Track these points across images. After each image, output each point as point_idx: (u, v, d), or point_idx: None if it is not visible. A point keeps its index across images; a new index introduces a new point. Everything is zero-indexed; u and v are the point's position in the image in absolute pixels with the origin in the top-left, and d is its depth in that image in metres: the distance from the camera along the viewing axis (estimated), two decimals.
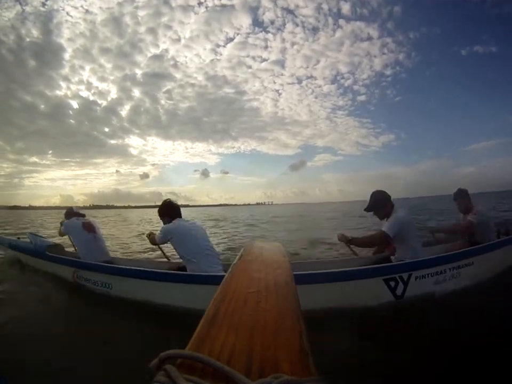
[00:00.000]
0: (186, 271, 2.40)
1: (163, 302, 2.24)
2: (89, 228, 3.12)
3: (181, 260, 2.49)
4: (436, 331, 1.76)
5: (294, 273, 0.59)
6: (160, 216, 2.59)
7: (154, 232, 2.69)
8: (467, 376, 1.32)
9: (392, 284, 2.18)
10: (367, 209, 2.58)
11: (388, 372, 1.39)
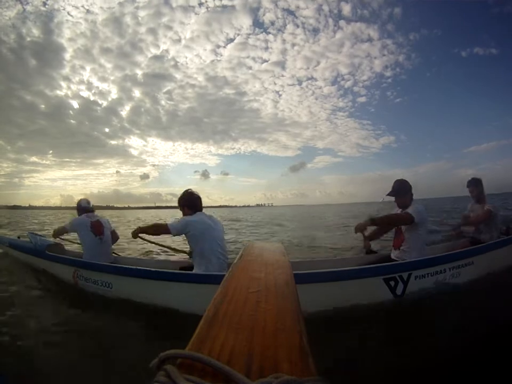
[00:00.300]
0: (188, 269, 2.40)
1: (163, 301, 2.23)
2: (97, 229, 3.03)
3: (182, 259, 2.47)
4: (436, 331, 1.76)
5: (294, 272, 0.59)
6: (180, 207, 2.43)
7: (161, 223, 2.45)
8: (467, 376, 1.33)
9: (392, 283, 2.18)
10: (391, 193, 2.56)
11: (388, 372, 1.39)
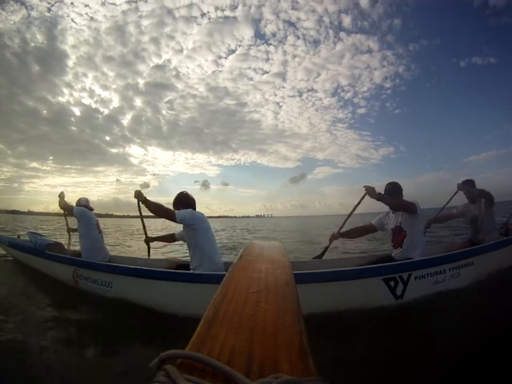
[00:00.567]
0: (184, 269, 2.42)
1: (163, 301, 2.24)
2: (99, 227, 3.12)
3: (178, 259, 2.50)
4: (436, 331, 1.76)
5: (294, 272, 0.59)
6: (174, 207, 2.43)
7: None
8: (467, 376, 1.33)
9: (392, 283, 2.18)
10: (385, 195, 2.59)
11: (388, 372, 1.39)
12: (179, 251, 5.71)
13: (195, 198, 2.49)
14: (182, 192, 2.51)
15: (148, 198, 2.27)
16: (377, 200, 2.50)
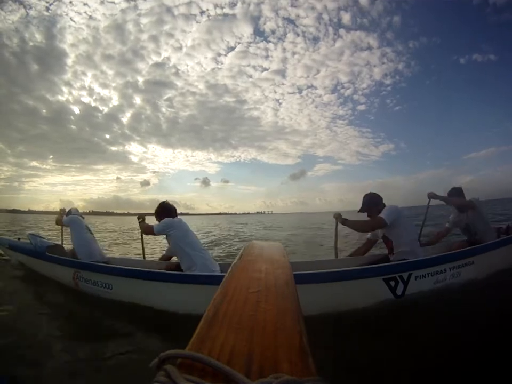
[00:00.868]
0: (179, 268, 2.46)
1: (163, 302, 2.23)
2: (89, 229, 3.25)
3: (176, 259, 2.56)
4: (436, 330, 1.75)
5: (294, 273, 0.59)
6: (156, 216, 2.65)
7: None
8: (468, 376, 1.32)
9: (392, 283, 2.18)
10: (361, 210, 2.64)
11: (388, 372, 1.39)
12: None
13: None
14: (163, 202, 2.73)
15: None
16: (343, 225, 2.64)
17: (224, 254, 5.42)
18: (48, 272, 3.17)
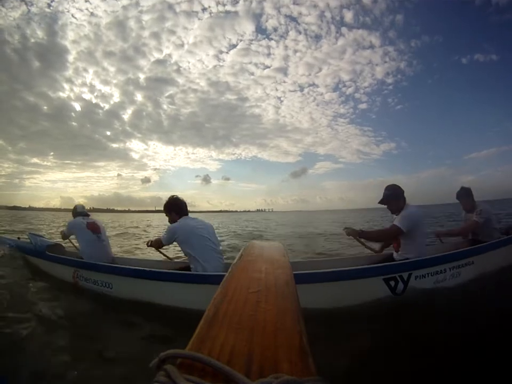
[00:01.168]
0: (189, 270, 2.41)
1: (163, 301, 2.24)
2: (94, 228, 3.09)
3: (183, 259, 2.51)
4: (436, 330, 1.76)
5: (294, 272, 0.59)
6: (166, 213, 2.53)
7: (154, 237, 2.68)
8: (467, 376, 1.33)
9: (392, 283, 2.18)
10: (382, 201, 2.57)
11: (388, 372, 1.39)
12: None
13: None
14: (173, 196, 2.57)
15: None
16: (360, 238, 2.54)
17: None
18: (48, 271, 3.17)
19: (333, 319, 1.88)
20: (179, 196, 2.57)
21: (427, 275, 2.27)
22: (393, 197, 2.53)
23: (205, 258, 2.32)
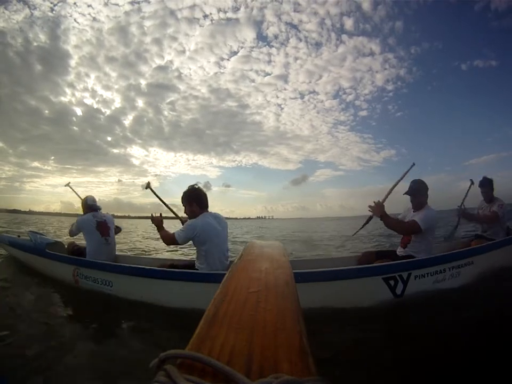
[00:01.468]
0: (187, 268, 2.39)
1: (163, 300, 2.24)
2: (104, 229, 2.98)
3: (183, 257, 2.45)
4: (436, 330, 1.76)
5: (294, 271, 0.59)
6: (186, 203, 2.30)
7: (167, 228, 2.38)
8: (467, 376, 1.33)
9: (392, 282, 2.19)
10: (408, 192, 2.54)
11: (388, 371, 1.40)
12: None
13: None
14: (194, 186, 2.35)
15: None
16: (381, 218, 2.38)
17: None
18: (48, 269, 3.17)
19: (333, 319, 1.88)
20: (200, 187, 2.35)
21: (427, 275, 2.27)
22: (419, 192, 2.52)
23: (216, 259, 2.26)
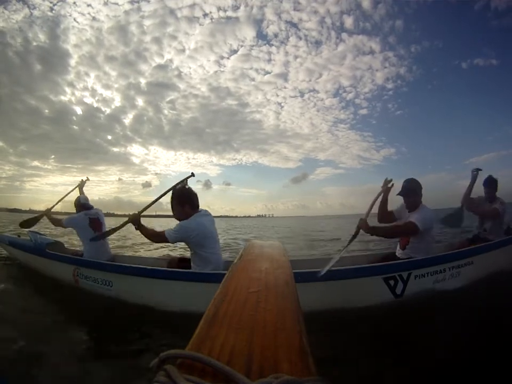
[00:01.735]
0: (185, 263, 2.37)
1: (164, 300, 2.23)
2: (96, 225, 3.04)
3: (179, 254, 2.42)
4: (435, 330, 1.76)
5: (294, 271, 0.59)
6: (177, 205, 2.23)
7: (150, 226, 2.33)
8: (467, 376, 1.33)
9: (392, 282, 2.19)
10: (401, 193, 2.47)
11: (387, 371, 1.40)
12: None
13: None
14: (185, 187, 2.30)
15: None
16: (371, 234, 2.30)
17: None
18: (48, 269, 3.17)
19: (333, 318, 1.88)
20: (191, 188, 2.29)
21: (427, 275, 2.27)
22: (412, 192, 2.45)
23: (212, 258, 2.26)
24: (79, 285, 2.77)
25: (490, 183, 3.10)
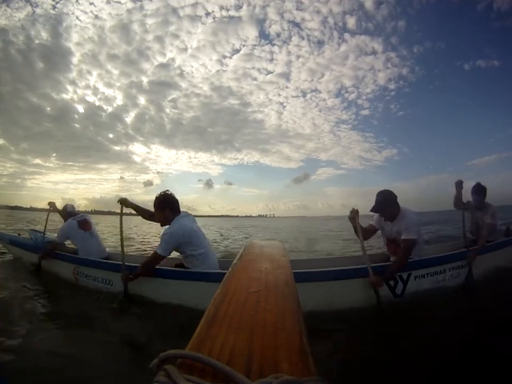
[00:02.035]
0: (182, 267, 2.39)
1: (163, 299, 2.24)
2: (85, 225, 3.17)
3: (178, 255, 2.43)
4: (435, 330, 1.76)
5: (294, 271, 0.59)
6: (159, 210, 2.31)
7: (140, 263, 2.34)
8: (466, 376, 1.33)
9: (392, 282, 2.19)
10: (374, 209, 2.40)
11: (387, 371, 1.40)
12: None
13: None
14: (166, 192, 2.35)
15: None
16: (386, 280, 2.18)
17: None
18: (48, 267, 3.18)
19: (333, 318, 1.88)
20: (172, 193, 2.36)
21: (426, 275, 2.27)
22: (387, 204, 2.37)
23: (205, 257, 2.28)
24: (79, 284, 2.77)
25: (480, 191, 3.06)
